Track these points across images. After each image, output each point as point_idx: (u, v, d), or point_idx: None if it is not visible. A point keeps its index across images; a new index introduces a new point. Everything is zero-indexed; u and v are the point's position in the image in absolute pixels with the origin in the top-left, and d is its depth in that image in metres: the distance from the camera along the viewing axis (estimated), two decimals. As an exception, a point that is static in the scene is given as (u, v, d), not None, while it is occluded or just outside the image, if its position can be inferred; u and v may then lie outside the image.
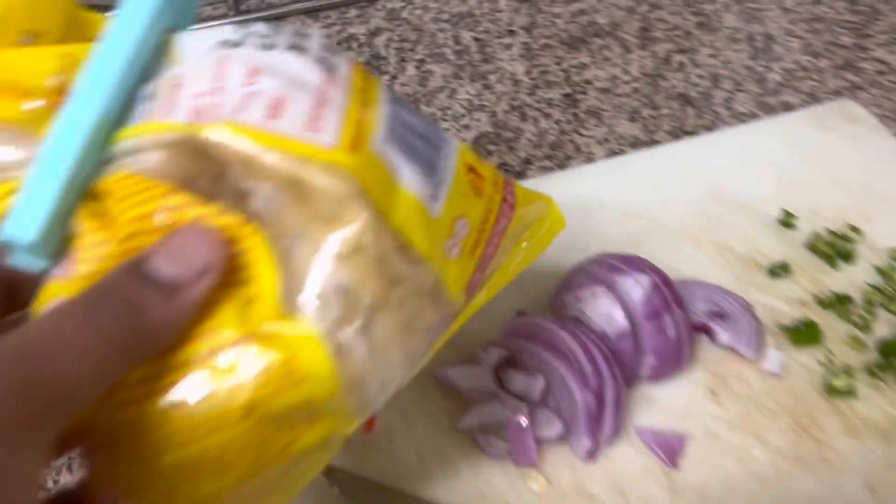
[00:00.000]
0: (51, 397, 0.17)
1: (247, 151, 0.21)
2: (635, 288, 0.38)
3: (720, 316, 0.40)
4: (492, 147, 0.51)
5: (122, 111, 0.22)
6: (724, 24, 0.58)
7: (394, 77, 0.56)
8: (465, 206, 0.25)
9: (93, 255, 0.21)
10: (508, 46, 0.58)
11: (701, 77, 0.55)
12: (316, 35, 0.25)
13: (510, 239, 0.28)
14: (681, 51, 0.56)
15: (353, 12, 0.61)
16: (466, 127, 0.52)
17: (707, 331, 0.40)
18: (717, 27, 0.58)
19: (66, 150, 0.21)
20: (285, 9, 0.60)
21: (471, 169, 0.26)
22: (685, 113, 0.52)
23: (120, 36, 0.22)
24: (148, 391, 0.21)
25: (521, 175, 0.49)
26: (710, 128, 0.51)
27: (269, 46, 0.23)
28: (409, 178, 0.23)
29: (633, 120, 0.52)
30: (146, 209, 0.21)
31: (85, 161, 0.21)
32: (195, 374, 0.21)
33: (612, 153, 0.50)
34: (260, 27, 0.23)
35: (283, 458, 0.22)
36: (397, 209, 0.22)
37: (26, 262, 0.21)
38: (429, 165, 0.23)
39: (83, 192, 0.22)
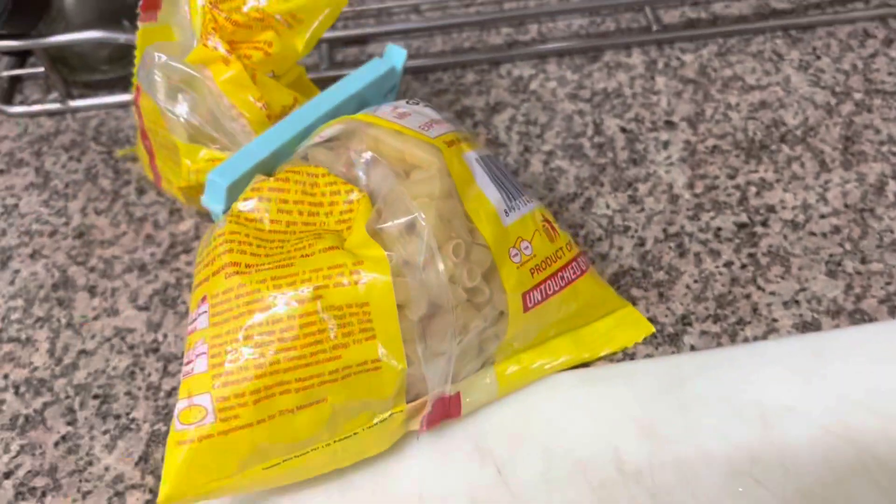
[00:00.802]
0: None
1: (377, 134, 0.32)
2: None
3: None
4: (636, 292, 0.38)
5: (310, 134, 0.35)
6: (958, 141, 0.44)
7: (514, 172, 0.44)
8: (532, 236, 0.33)
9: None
10: (665, 144, 0.45)
11: (928, 219, 0.40)
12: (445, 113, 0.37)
13: (580, 302, 0.35)
14: (899, 176, 0.42)
15: (470, 77, 0.49)
16: (603, 257, 0.40)
17: None
18: (949, 145, 0.44)
19: (264, 147, 0.34)
20: (388, 65, 0.49)
21: (546, 220, 0.34)
22: (906, 272, 0.38)
23: (320, 103, 0.36)
24: None
25: (673, 340, 0.36)
26: (942, 300, 0.37)
27: (415, 104, 0.35)
28: (487, 188, 0.32)
29: (832, 275, 0.38)
30: (298, 178, 0.32)
31: (271, 158, 0.34)
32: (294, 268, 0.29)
33: (805, 324, 0.37)
34: (416, 101, 0.36)
35: (334, 357, 0.28)
36: (471, 199, 0.31)
37: (211, 204, 0.33)
38: (508, 194, 0.33)
39: (267, 172, 0.33)
